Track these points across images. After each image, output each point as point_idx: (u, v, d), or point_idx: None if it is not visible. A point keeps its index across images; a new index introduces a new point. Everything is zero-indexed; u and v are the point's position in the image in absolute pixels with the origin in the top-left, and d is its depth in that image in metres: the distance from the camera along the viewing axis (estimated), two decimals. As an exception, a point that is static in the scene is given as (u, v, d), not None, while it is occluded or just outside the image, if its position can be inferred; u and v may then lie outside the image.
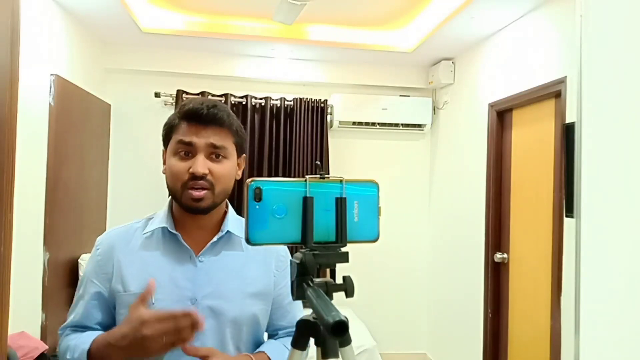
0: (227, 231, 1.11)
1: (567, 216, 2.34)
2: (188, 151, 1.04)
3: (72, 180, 2.99)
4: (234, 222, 1.15)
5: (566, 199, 2.33)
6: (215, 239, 1.09)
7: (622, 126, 1.07)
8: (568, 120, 2.37)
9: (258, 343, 1.15)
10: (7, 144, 0.59)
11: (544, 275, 2.65)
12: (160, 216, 1.10)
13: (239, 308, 1.08)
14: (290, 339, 1.15)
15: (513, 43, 2.95)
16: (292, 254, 1.06)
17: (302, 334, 1.05)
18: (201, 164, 1.02)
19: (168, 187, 1.08)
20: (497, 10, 2.79)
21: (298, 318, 1.14)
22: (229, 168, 1.09)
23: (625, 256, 1.04)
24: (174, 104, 3.73)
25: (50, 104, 2.72)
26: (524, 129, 2.95)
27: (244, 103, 3.81)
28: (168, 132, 1.08)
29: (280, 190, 1.01)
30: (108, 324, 1.08)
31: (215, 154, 1.06)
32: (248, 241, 1.01)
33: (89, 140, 3.31)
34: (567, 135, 2.33)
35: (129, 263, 1.05)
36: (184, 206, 1.05)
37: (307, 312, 1.07)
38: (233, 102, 3.81)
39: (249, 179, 1.01)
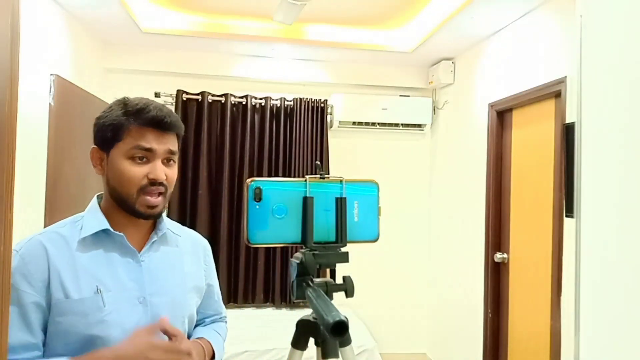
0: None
1: (567, 216, 2.35)
2: (144, 156, 1.02)
3: (72, 180, 2.99)
4: (167, 219, 1.16)
5: (566, 199, 2.33)
6: (155, 237, 1.10)
7: (622, 126, 1.07)
8: (568, 120, 2.37)
9: (190, 333, 1.19)
10: (7, 144, 0.59)
11: (544, 275, 2.65)
12: (92, 218, 1.05)
13: (182, 303, 1.11)
14: (216, 325, 1.27)
15: (513, 43, 2.95)
16: (292, 254, 1.06)
17: (302, 334, 1.05)
18: (161, 170, 1.03)
19: (114, 190, 1.04)
20: (497, 10, 2.79)
21: (222, 308, 1.33)
22: (177, 171, 1.11)
23: (626, 256, 1.04)
24: (174, 104, 3.73)
25: (50, 104, 2.72)
26: (524, 129, 2.95)
27: (244, 103, 3.81)
28: (115, 132, 1.02)
29: (280, 190, 1.01)
30: (44, 342, 0.99)
31: (168, 159, 1.06)
32: (248, 241, 1.02)
33: (89, 140, 3.30)
34: (567, 135, 2.33)
35: (68, 269, 0.99)
36: (137, 211, 1.03)
37: (307, 312, 1.07)
38: (233, 102, 3.81)
39: (249, 179, 1.01)
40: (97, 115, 1.08)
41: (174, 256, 1.13)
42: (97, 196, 1.11)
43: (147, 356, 0.94)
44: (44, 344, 0.99)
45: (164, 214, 1.14)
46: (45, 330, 0.99)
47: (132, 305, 1.02)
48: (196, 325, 1.23)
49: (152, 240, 1.09)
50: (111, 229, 1.04)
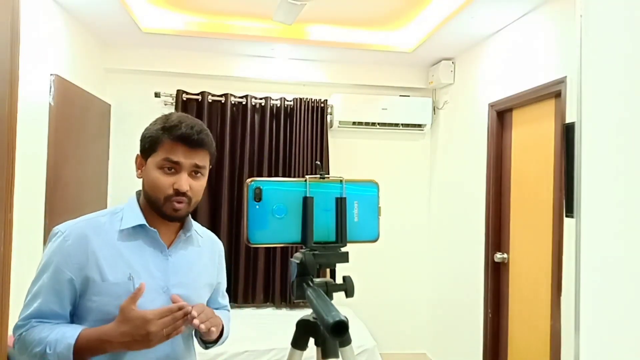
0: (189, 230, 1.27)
1: (567, 216, 2.35)
2: (172, 167, 1.15)
3: (72, 180, 2.99)
4: (194, 223, 1.30)
5: (566, 199, 2.33)
6: (182, 237, 1.24)
7: (622, 126, 1.07)
8: (568, 120, 2.37)
9: None
10: (7, 144, 0.59)
11: (544, 275, 2.65)
12: (131, 213, 1.19)
13: (198, 295, 1.25)
14: (221, 313, 1.36)
15: (513, 43, 2.95)
16: (292, 254, 1.06)
17: (302, 334, 1.05)
18: (185, 182, 1.15)
19: (147, 194, 1.18)
20: (497, 10, 2.79)
21: (227, 302, 1.47)
22: (204, 183, 1.22)
23: (626, 256, 1.04)
24: (174, 104, 3.73)
25: (50, 104, 2.72)
26: (524, 129, 2.95)
27: (244, 103, 3.81)
28: (152, 144, 1.16)
29: (280, 190, 1.01)
30: (71, 313, 1.14)
31: (195, 171, 1.18)
32: (248, 241, 1.02)
33: (89, 140, 3.31)
34: (567, 135, 2.33)
35: (106, 254, 1.13)
36: (163, 214, 1.17)
37: (307, 312, 1.07)
38: (233, 102, 3.81)
39: (249, 179, 1.01)
40: (146, 127, 1.22)
41: (195, 255, 1.27)
42: (137, 192, 1.25)
43: (147, 330, 1.03)
44: (74, 316, 1.14)
45: (190, 218, 1.28)
46: (74, 304, 1.13)
47: (157, 294, 1.15)
48: None
49: (180, 240, 1.23)
50: (147, 225, 1.18)
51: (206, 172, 1.22)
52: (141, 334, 1.03)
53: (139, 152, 1.22)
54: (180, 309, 1.07)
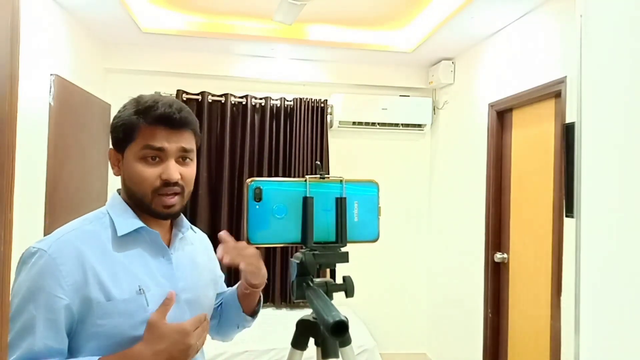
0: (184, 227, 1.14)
1: (567, 216, 2.34)
2: (156, 156, 0.99)
3: (72, 180, 2.99)
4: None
5: (566, 199, 2.33)
6: (181, 235, 1.11)
7: (622, 126, 1.07)
8: (568, 120, 2.37)
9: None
10: (7, 144, 0.59)
11: (544, 275, 2.65)
12: (123, 216, 1.03)
13: (205, 296, 1.14)
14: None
15: (513, 43, 2.95)
16: (292, 254, 1.07)
17: (302, 334, 1.05)
18: (174, 170, 1.00)
19: (130, 190, 1.02)
20: (497, 10, 2.79)
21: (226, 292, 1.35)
22: (194, 169, 1.07)
23: (626, 256, 1.04)
24: (174, 104, 3.73)
25: (50, 104, 2.72)
26: (524, 129, 2.95)
27: (244, 103, 3.81)
28: (127, 133, 1.00)
29: (280, 190, 1.01)
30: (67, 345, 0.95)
31: (183, 157, 1.03)
32: (248, 241, 1.02)
33: (89, 140, 3.30)
34: (567, 135, 2.33)
35: (106, 269, 0.95)
36: (154, 212, 1.01)
37: (307, 312, 1.08)
38: (233, 102, 3.81)
39: (249, 179, 1.01)
40: (114, 115, 1.05)
41: (193, 252, 1.15)
42: (117, 191, 1.09)
43: (187, 344, 0.94)
44: (72, 348, 0.95)
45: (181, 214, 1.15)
46: (69, 334, 0.94)
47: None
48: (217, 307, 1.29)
49: (177, 239, 1.09)
50: (147, 227, 1.02)
51: (194, 155, 1.06)
52: (180, 349, 0.93)
53: (111, 147, 1.05)
54: (205, 318, 1.02)
